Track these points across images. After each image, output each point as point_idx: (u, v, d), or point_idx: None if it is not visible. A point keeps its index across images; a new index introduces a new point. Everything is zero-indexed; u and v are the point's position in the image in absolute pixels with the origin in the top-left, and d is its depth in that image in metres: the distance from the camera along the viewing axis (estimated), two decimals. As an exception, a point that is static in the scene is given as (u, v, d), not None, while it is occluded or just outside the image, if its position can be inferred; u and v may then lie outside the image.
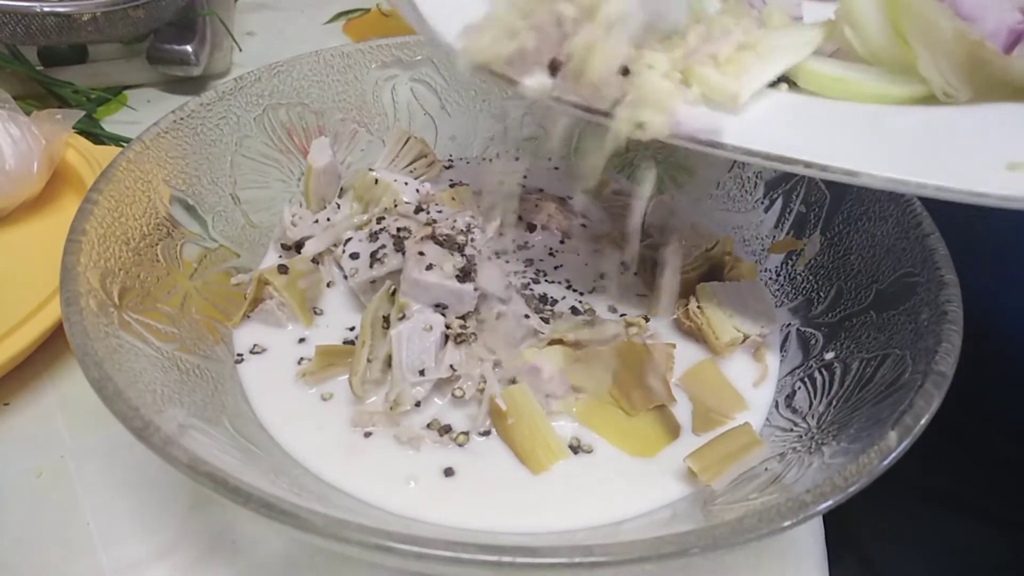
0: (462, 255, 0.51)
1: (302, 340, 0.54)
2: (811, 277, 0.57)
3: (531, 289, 0.57)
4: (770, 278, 0.60)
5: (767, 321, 0.54)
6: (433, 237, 0.53)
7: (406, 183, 0.61)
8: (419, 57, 0.69)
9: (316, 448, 0.47)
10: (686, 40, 0.45)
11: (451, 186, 0.65)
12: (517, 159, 0.73)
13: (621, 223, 0.64)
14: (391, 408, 0.48)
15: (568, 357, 0.50)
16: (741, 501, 0.42)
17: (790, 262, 0.59)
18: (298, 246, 0.59)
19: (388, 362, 0.49)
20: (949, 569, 0.68)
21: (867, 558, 0.69)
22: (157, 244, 0.52)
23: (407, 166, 0.65)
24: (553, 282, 0.58)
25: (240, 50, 0.96)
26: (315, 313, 0.56)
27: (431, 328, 0.49)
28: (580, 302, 0.56)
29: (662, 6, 0.49)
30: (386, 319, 0.51)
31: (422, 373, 0.48)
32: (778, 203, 0.62)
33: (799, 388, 0.51)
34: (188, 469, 0.35)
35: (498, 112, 0.72)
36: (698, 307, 0.54)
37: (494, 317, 0.51)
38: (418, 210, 0.56)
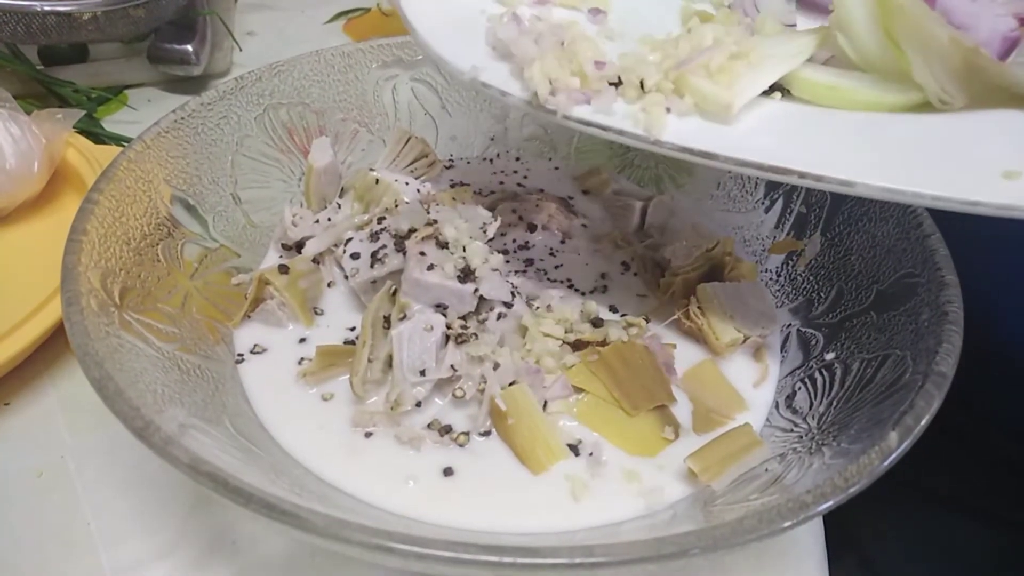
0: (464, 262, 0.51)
1: (303, 340, 0.54)
2: (812, 278, 0.57)
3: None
4: (771, 278, 0.60)
5: (767, 322, 0.54)
6: (435, 238, 0.53)
7: (407, 183, 0.61)
8: (420, 57, 0.69)
9: (316, 448, 0.47)
10: (677, 49, 0.45)
11: (452, 186, 0.65)
12: (518, 159, 0.73)
13: (621, 223, 0.64)
14: (392, 408, 0.48)
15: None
16: (741, 502, 0.42)
17: (791, 262, 0.59)
18: (299, 246, 0.59)
19: (389, 362, 0.49)
20: (949, 569, 0.68)
21: (867, 558, 0.70)
22: (158, 244, 0.52)
23: (408, 166, 0.65)
24: (555, 281, 0.58)
25: (240, 50, 0.96)
26: (316, 313, 0.56)
27: (432, 328, 0.49)
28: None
29: (654, 16, 0.49)
30: (387, 319, 0.51)
31: (423, 373, 0.48)
32: (779, 203, 0.62)
33: (799, 389, 0.51)
34: (189, 469, 0.35)
35: (499, 112, 0.72)
36: (698, 307, 0.54)
37: (495, 318, 0.51)
38: (410, 232, 0.56)
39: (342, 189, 0.63)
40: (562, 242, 0.62)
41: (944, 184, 0.38)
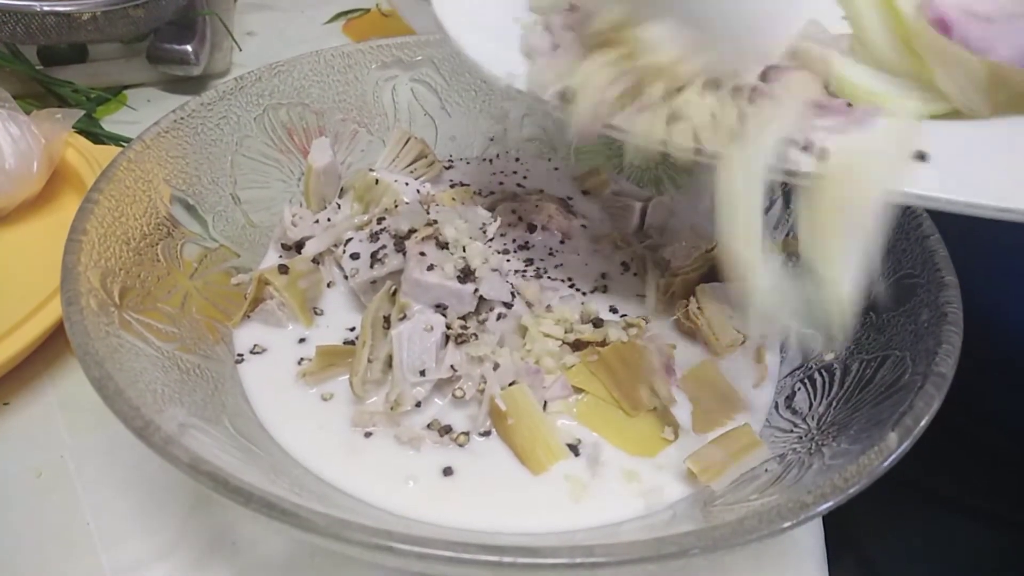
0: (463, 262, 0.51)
1: (302, 340, 0.54)
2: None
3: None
4: (770, 279, 0.60)
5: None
6: (435, 238, 0.53)
7: (406, 183, 0.61)
8: (419, 57, 0.69)
9: (316, 448, 0.47)
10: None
11: (451, 186, 0.65)
12: (517, 159, 0.73)
13: (621, 224, 0.64)
14: (391, 408, 0.48)
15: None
16: (741, 502, 0.42)
17: (790, 263, 0.59)
18: (298, 246, 0.59)
19: (389, 362, 0.49)
20: (949, 570, 0.68)
21: (867, 559, 0.70)
22: (158, 244, 0.52)
23: (407, 166, 0.65)
24: (555, 280, 0.58)
25: (240, 50, 0.96)
26: (315, 313, 0.56)
27: (432, 328, 0.49)
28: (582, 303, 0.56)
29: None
30: (386, 319, 0.51)
31: (423, 373, 0.48)
32: (778, 204, 0.62)
33: (799, 389, 0.51)
34: (189, 469, 0.35)
35: (498, 113, 0.72)
36: (698, 308, 0.54)
37: (495, 318, 0.51)
38: (410, 232, 0.55)
39: (342, 189, 0.63)
40: (562, 242, 0.62)
41: (975, 191, 0.37)
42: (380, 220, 0.58)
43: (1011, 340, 0.63)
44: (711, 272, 0.57)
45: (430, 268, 0.50)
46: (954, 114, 0.42)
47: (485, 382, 0.49)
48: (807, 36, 0.45)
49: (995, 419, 0.68)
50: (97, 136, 0.78)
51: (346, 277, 0.57)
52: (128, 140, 0.72)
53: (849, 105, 0.41)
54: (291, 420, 0.49)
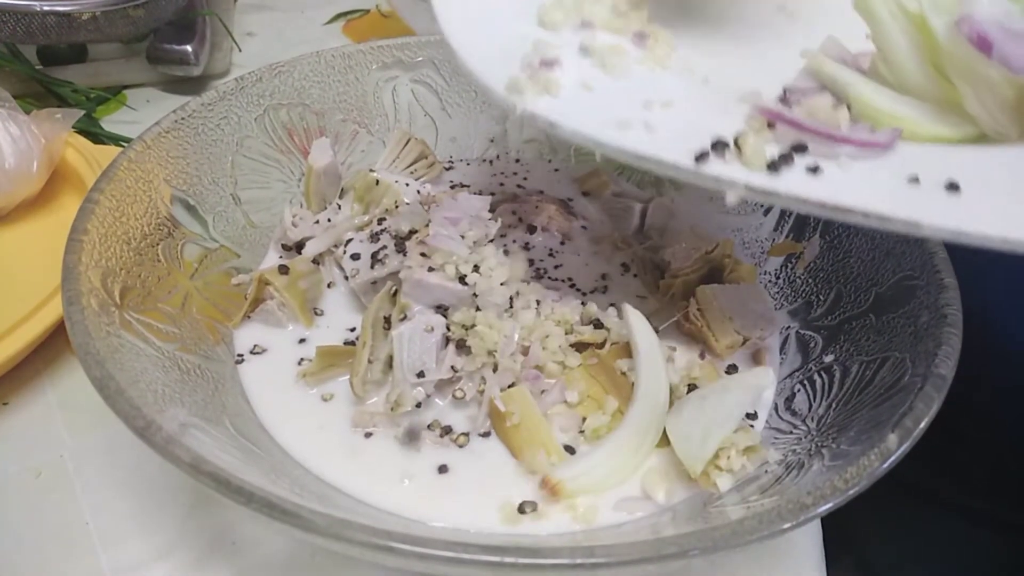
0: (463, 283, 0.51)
1: (303, 340, 0.54)
2: (811, 280, 0.58)
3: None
4: (770, 281, 0.60)
5: (767, 324, 0.54)
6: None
7: (407, 184, 0.61)
8: (420, 58, 0.69)
9: (316, 448, 0.47)
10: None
11: (452, 187, 0.65)
12: (518, 160, 0.73)
13: (621, 225, 0.65)
14: (392, 409, 0.48)
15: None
16: (741, 503, 0.42)
17: (790, 265, 0.60)
18: (299, 247, 0.59)
19: (389, 363, 0.49)
20: (948, 572, 0.68)
21: (865, 560, 0.70)
22: (158, 244, 0.52)
23: (408, 167, 0.65)
24: (555, 281, 0.58)
25: (240, 50, 0.96)
26: (316, 314, 0.56)
27: (432, 329, 0.49)
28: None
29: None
30: (387, 320, 0.51)
31: (423, 374, 0.48)
32: (776, 208, 0.62)
33: (799, 391, 0.51)
34: (190, 468, 0.35)
35: (498, 114, 0.72)
36: (698, 309, 0.54)
37: (495, 319, 0.51)
38: (410, 233, 0.55)
39: (342, 190, 0.63)
40: (562, 243, 0.62)
41: (1011, 226, 0.35)
42: (380, 221, 0.58)
43: (1010, 341, 0.63)
44: (711, 274, 0.57)
45: (431, 269, 0.50)
46: (982, 138, 0.41)
47: (485, 383, 0.49)
48: (826, 53, 0.45)
49: (995, 421, 0.68)
50: (97, 136, 0.78)
51: (346, 277, 0.57)
52: (128, 140, 0.72)
53: (872, 130, 0.41)
54: (291, 420, 0.49)
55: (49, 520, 0.48)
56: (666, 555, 0.33)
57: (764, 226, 0.63)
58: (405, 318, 0.50)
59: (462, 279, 0.50)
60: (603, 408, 0.49)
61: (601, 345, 0.51)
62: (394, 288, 0.52)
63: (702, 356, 0.53)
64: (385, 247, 0.54)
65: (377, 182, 0.60)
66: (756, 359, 0.54)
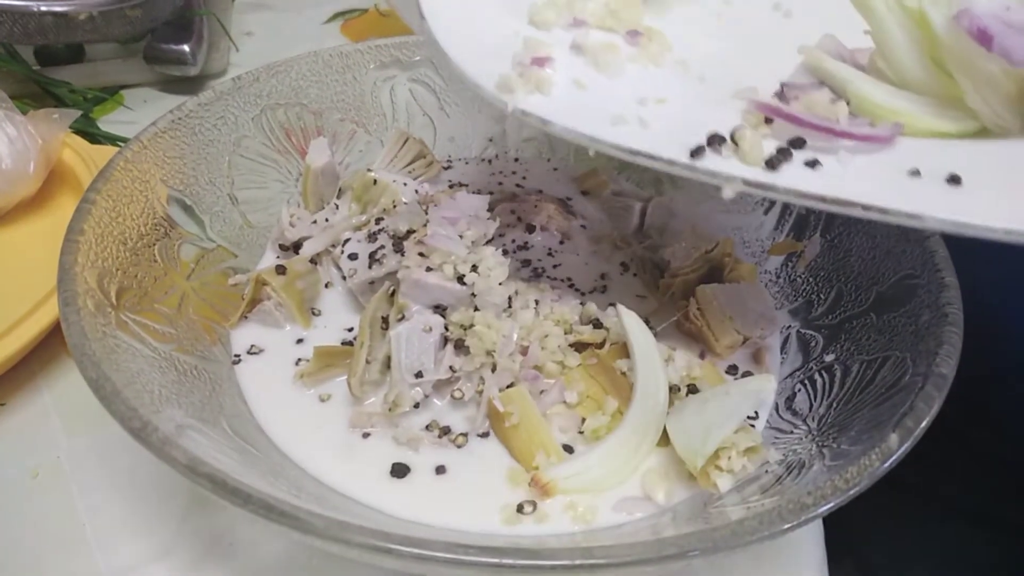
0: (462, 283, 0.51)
1: (300, 341, 0.54)
2: (811, 279, 0.57)
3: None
4: (770, 280, 0.60)
5: (767, 323, 0.54)
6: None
7: (405, 184, 0.61)
8: (418, 58, 0.69)
9: (314, 449, 0.47)
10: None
11: (450, 187, 0.65)
12: (516, 160, 0.72)
13: (621, 224, 0.64)
14: (390, 409, 0.48)
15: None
16: (741, 503, 0.41)
17: (790, 264, 0.59)
18: (296, 247, 0.59)
19: (387, 363, 0.49)
20: (948, 573, 0.68)
21: (866, 560, 0.69)
22: (155, 244, 0.52)
23: (406, 167, 0.65)
24: (554, 280, 0.58)
25: (237, 50, 0.95)
26: (313, 314, 0.56)
27: (430, 329, 0.49)
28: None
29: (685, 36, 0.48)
30: (385, 320, 0.51)
31: (421, 375, 0.48)
32: (778, 205, 0.62)
33: (799, 390, 0.51)
34: (187, 470, 0.35)
35: (497, 114, 0.72)
36: (698, 309, 0.53)
37: (494, 319, 0.51)
38: (408, 233, 0.55)
39: (340, 190, 0.63)
40: (561, 243, 0.62)
41: (1014, 217, 0.35)
42: (378, 220, 0.58)
43: (1012, 340, 0.63)
44: (711, 273, 0.57)
45: (429, 269, 0.50)
46: (983, 132, 0.41)
47: (483, 383, 0.48)
48: (823, 50, 0.45)
49: (996, 421, 0.68)
50: (94, 136, 0.77)
51: (344, 278, 0.56)
52: (125, 140, 0.72)
53: (872, 124, 0.40)
54: (289, 421, 0.49)
55: (45, 521, 0.48)
56: (666, 556, 0.33)
57: (764, 225, 0.62)
58: (403, 318, 0.50)
59: (460, 279, 0.50)
60: (603, 408, 0.48)
61: (600, 345, 0.51)
62: (392, 288, 0.52)
63: (702, 356, 0.53)
64: (383, 247, 0.54)
65: (375, 182, 0.60)
66: (756, 359, 0.54)
